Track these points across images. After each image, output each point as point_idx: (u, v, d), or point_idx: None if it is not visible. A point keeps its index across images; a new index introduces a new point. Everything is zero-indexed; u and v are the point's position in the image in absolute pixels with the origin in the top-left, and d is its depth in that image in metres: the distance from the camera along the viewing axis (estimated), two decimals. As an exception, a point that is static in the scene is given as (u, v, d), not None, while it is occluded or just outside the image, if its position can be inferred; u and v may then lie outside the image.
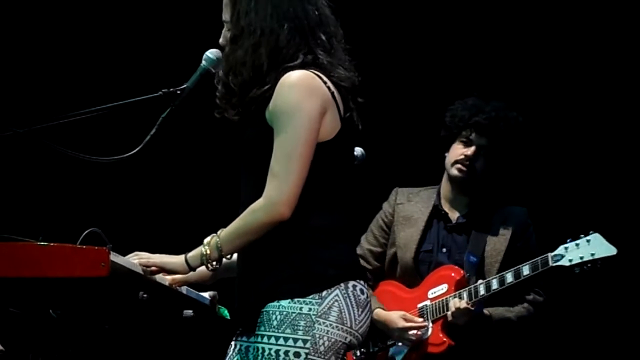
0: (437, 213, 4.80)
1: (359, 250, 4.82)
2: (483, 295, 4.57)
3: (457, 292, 4.61)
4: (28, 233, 3.03)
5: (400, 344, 4.72)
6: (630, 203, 5.88)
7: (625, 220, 5.71)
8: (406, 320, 4.66)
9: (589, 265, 4.45)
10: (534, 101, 5.94)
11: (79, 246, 2.89)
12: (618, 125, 5.94)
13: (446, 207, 4.81)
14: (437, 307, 4.66)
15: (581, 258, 4.45)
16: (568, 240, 4.50)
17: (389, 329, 4.68)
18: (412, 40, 6.05)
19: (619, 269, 4.72)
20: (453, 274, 4.67)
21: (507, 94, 5.64)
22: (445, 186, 4.83)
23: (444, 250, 4.75)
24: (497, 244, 4.69)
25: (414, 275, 4.75)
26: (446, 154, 4.80)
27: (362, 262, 4.74)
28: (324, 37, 3.14)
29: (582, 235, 4.49)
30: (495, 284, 4.56)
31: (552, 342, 5.95)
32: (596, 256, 4.44)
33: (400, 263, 4.77)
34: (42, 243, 2.88)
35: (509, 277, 4.54)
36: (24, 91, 5.99)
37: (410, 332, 4.65)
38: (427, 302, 4.70)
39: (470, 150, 4.70)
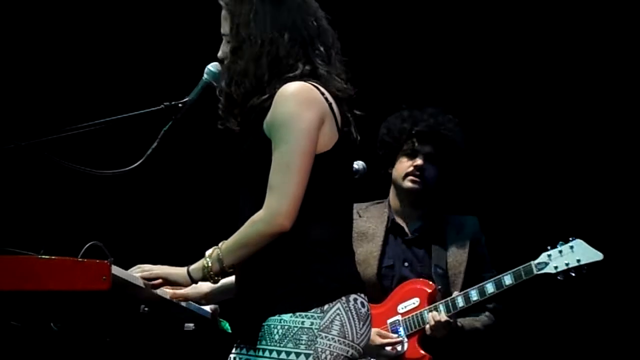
0: (393, 228, 4.80)
1: None
2: (462, 307, 4.57)
3: (432, 306, 4.61)
4: (29, 246, 3.03)
5: None
6: (591, 207, 5.91)
7: (586, 224, 5.72)
8: (381, 336, 4.65)
9: (573, 271, 4.46)
10: (506, 104, 6.00)
11: (80, 259, 2.89)
12: (579, 127, 5.97)
13: (400, 221, 4.82)
14: (412, 321, 4.64)
15: (567, 265, 4.46)
16: (548, 247, 4.50)
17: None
18: (412, 51, 6.07)
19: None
20: (424, 287, 4.67)
21: (492, 101, 5.71)
22: (395, 201, 4.83)
23: (406, 264, 4.75)
24: (457, 255, 4.71)
25: (378, 290, 4.71)
26: (390, 170, 4.81)
27: None
28: (322, 48, 3.15)
29: (561, 242, 4.49)
30: (475, 295, 4.56)
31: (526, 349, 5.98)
32: (582, 262, 4.45)
33: (362, 279, 4.74)
34: (43, 256, 2.88)
35: (490, 288, 4.54)
36: (25, 104, 6.00)
37: (387, 349, 4.64)
38: (398, 317, 4.68)
39: (419, 160, 4.71)
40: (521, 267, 4.51)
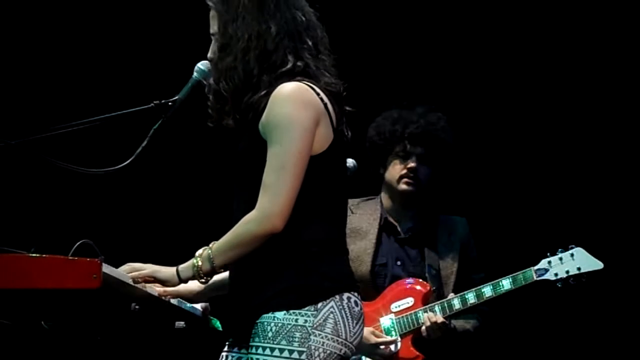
0: (386, 226, 4.81)
1: None
2: (458, 309, 4.57)
3: (427, 306, 4.62)
4: (20, 244, 3.03)
5: None
6: (592, 212, 5.91)
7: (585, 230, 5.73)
8: (376, 335, 4.65)
9: (573, 279, 4.47)
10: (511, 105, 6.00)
11: (71, 258, 2.88)
12: (582, 130, 5.97)
13: (392, 220, 4.83)
14: (406, 321, 4.65)
15: (567, 272, 4.47)
16: (548, 254, 4.51)
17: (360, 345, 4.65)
18: (403, 48, 6.07)
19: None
20: (419, 287, 4.67)
21: (490, 101, 5.71)
22: (387, 200, 4.85)
23: (399, 263, 4.76)
24: (449, 256, 4.72)
25: (371, 288, 4.72)
26: (382, 171, 4.82)
27: None
28: (310, 42, 3.16)
29: (561, 250, 4.50)
30: (472, 298, 4.56)
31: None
32: (582, 270, 4.46)
33: (355, 276, 4.75)
34: (34, 254, 2.88)
35: (488, 292, 4.55)
36: (16, 103, 5.99)
37: (381, 348, 4.65)
38: (392, 316, 4.68)
39: (412, 163, 4.73)
40: (520, 272, 4.52)
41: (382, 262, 4.75)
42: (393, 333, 4.65)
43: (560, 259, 4.48)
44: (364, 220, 4.82)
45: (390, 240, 4.79)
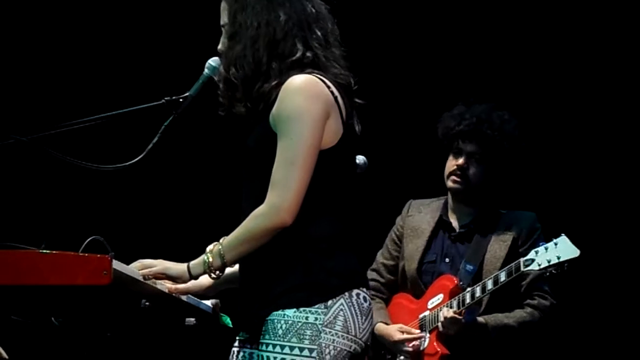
0: (442, 223, 4.78)
1: (374, 265, 4.88)
2: (469, 303, 4.55)
3: (449, 301, 4.61)
4: (30, 241, 3.03)
5: (402, 357, 4.70)
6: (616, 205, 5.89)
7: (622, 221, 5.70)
8: (402, 332, 4.65)
9: (557, 268, 4.44)
10: (533, 103, 5.94)
11: (81, 254, 2.88)
12: (607, 127, 5.95)
13: (452, 217, 4.79)
14: (434, 317, 4.64)
15: (548, 261, 4.43)
16: (541, 244, 4.49)
17: (388, 343, 4.66)
18: (416, 43, 6.05)
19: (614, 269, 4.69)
20: (447, 283, 4.65)
21: (508, 96, 5.68)
22: (450, 199, 4.82)
23: (447, 260, 4.73)
24: (497, 251, 4.66)
25: (419, 286, 4.73)
26: None
27: (376, 275, 4.82)
28: (319, 33, 3.15)
29: (553, 238, 4.48)
30: (478, 292, 4.55)
31: (557, 348, 5.93)
32: (562, 259, 4.41)
33: (407, 275, 4.75)
34: (44, 251, 2.88)
35: (489, 284, 4.53)
36: (26, 99, 6.00)
37: (409, 344, 4.63)
38: (427, 313, 4.68)
39: (460, 160, 4.70)
40: (513, 264, 4.51)
41: (430, 260, 4.74)
42: (425, 329, 4.66)
43: (546, 248, 4.45)
44: (424, 220, 4.80)
45: (444, 238, 4.77)
